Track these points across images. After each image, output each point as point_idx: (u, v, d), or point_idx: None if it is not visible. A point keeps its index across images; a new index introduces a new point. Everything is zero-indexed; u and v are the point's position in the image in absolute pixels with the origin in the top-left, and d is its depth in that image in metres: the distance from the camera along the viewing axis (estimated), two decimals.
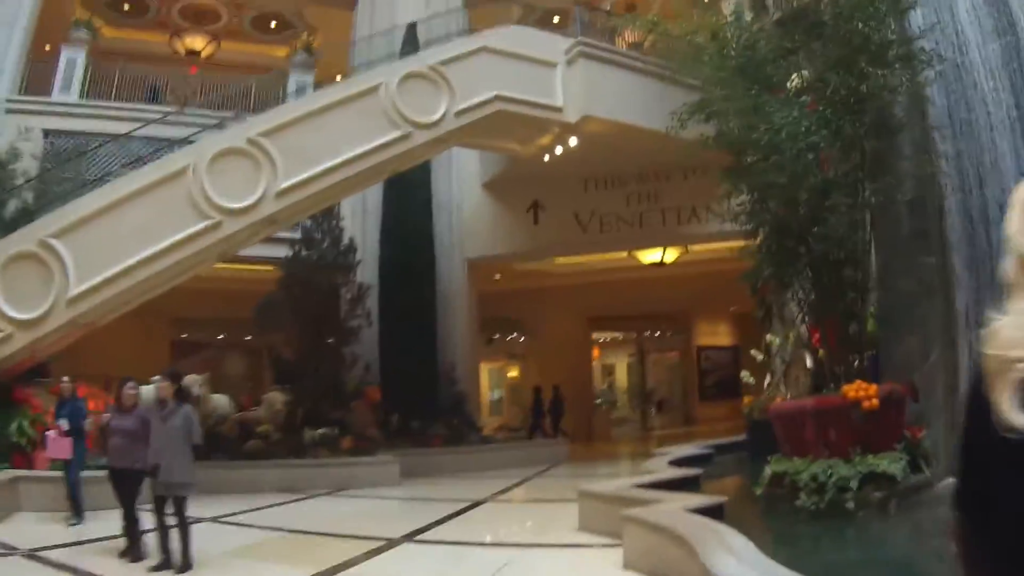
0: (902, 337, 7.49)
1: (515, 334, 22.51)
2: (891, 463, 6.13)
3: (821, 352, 8.20)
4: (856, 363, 7.98)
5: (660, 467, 9.07)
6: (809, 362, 8.64)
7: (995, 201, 6.93)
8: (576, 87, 12.64)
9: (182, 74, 16.67)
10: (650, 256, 18.55)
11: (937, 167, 7.31)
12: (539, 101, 12.26)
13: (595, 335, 24.15)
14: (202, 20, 19.89)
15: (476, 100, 11.48)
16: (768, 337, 10.25)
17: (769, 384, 10.32)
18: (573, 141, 13.23)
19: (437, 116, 11.04)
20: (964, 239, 7.15)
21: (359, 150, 10.42)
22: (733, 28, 8.22)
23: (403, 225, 14.77)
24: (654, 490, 7.27)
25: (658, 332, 25.32)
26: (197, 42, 20.23)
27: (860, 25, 7.01)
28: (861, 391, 6.36)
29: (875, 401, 6.29)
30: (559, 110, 12.49)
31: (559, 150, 13.52)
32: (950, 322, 7.10)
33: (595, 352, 24.83)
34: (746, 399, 10.55)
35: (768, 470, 6.75)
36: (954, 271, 7.15)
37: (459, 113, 11.27)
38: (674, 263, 18.81)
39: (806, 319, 9.41)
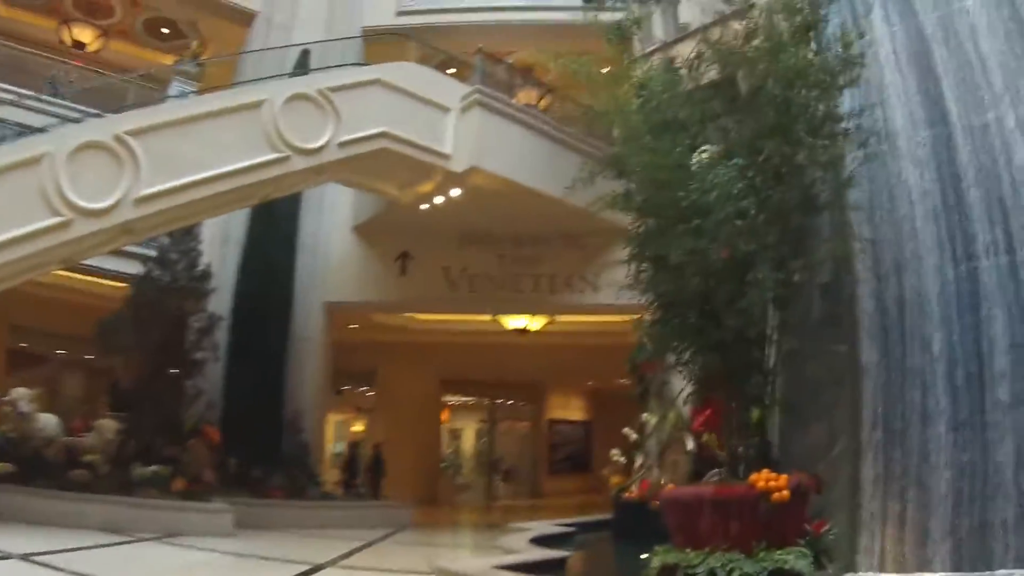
0: (806, 425, 7.07)
1: (365, 387, 21.56)
2: (798, 559, 5.61)
3: (706, 437, 7.78)
4: (741, 450, 7.59)
5: (521, 545, 8.39)
6: (690, 445, 8.22)
7: (912, 291, 6.66)
8: (467, 137, 12.12)
9: (64, 64, 15.41)
10: (514, 322, 18.10)
11: (853, 251, 6.99)
12: (427, 145, 11.66)
13: (447, 397, 23.41)
14: (95, 13, 18.60)
15: (362, 133, 10.80)
16: (644, 416, 9.82)
17: (641, 465, 9.85)
18: (455, 192, 12.67)
19: (319, 143, 10.28)
20: (876, 327, 6.80)
21: (232, 167, 9.52)
22: (664, 81, 7.73)
23: (264, 259, 13.83)
24: (519, 573, 6.71)
25: (511, 401, 24.88)
26: (86, 34, 18.85)
27: (803, 92, 6.67)
28: (771, 481, 5.87)
29: (786, 493, 5.81)
30: (446, 157, 11.94)
31: (439, 200, 12.92)
32: (857, 413, 6.74)
33: (445, 415, 24.02)
34: (614, 479, 10.03)
35: (656, 560, 6.17)
36: (862, 360, 6.78)
37: (343, 144, 10.55)
38: (537, 332, 18.41)
39: (688, 400, 9.09)
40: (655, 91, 7.51)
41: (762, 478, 5.90)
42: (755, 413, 7.94)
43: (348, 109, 10.65)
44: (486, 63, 13.18)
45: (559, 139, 13.58)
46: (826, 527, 6.15)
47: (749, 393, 6.83)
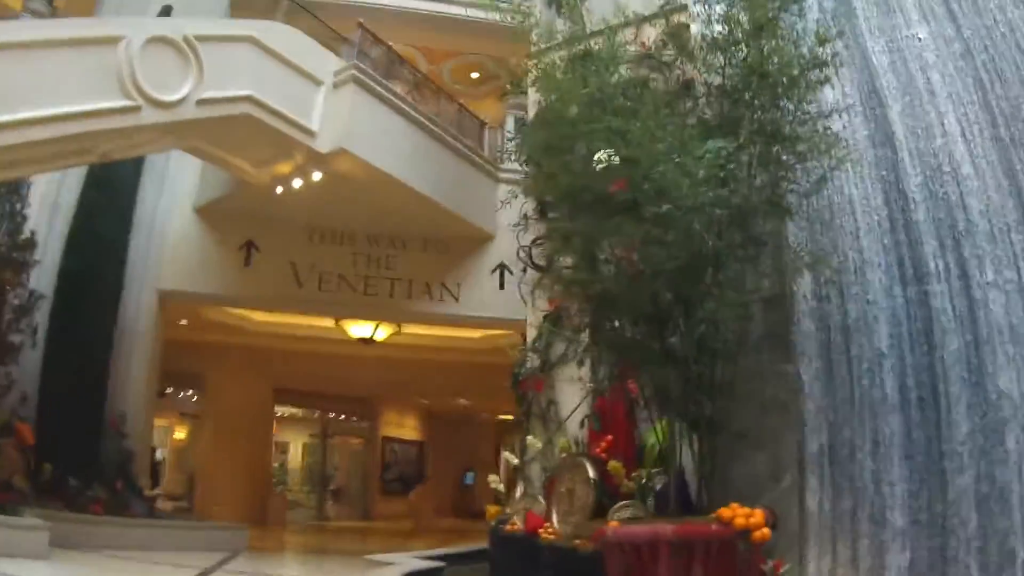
0: (746, 454, 6.20)
1: (191, 391, 19.69)
2: None
3: (613, 464, 6.78)
4: (648, 481, 6.66)
5: None
6: (592, 473, 7.25)
7: (859, 313, 6.11)
8: (337, 115, 10.99)
9: None
10: (359, 330, 16.89)
11: (795, 264, 6.23)
12: (294, 118, 10.38)
13: (279, 408, 21.83)
14: None
15: (226, 93, 9.41)
16: (529, 439, 8.80)
17: (523, 495, 8.79)
18: (316, 175, 11.40)
19: (177, 97, 8.79)
20: (817, 348, 6.18)
21: (75, 108, 7.95)
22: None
23: (95, 233, 12.02)
24: None
25: (344, 416, 23.55)
26: None
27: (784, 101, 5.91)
28: (750, 518, 4.91)
29: (767, 531, 4.87)
30: (312, 135, 10.71)
31: (297, 183, 11.63)
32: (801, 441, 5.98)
33: (276, 426, 22.46)
34: (491, 508, 8.93)
35: None
36: (803, 382, 6.10)
37: (203, 102, 9.10)
38: (382, 343, 17.26)
39: (586, 422, 8.17)
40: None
41: (738, 513, 4.94)
42: (652, 437, 7.26)
43: (213, 64, 9.23)
44: (365, 40, 12.06)
45: (434, 134, 12.77)
46: (785, 567, 5.29)
47: (690, 416, 5.96)
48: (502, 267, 14.24)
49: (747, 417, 6.13)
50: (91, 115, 8.14)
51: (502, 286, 14.14)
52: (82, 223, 12.10)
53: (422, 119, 12.57)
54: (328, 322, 16.81)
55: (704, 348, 5.78)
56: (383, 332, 17.02)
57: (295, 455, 24.01)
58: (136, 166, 12.61)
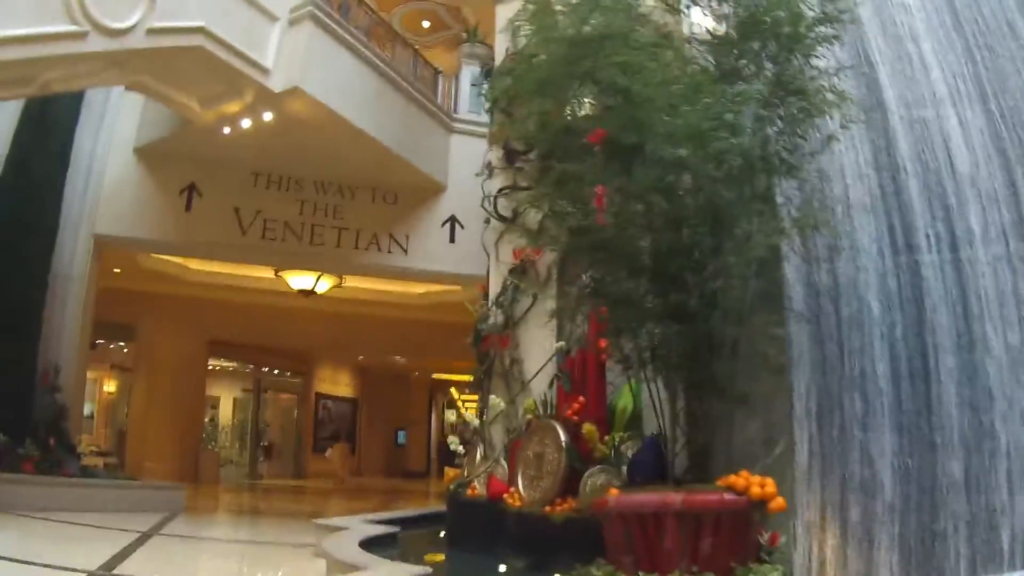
0: (738, 420, 5.82)
1: (122, 343, 18.82)
2: None
3: (588, 427, 6.40)
4: (618, 446, 6.38)
5: (354, 553, 6.61)
6: (563, 437, 6.83)
7: (847, 280, 5.90)
8: (293, 53, 10.35)
9: None
10: (299, 281, 16.28)
11: (793, 223, 5.82)
12: (248, 54, 9.72)
13: (213, 362, 21.05)
14: None
15: (178, 23, 8.71)
16: (492, 400, 8.33)
17: (483, 458, 8.33)
18: (267, 116, 10.77)
19: (126, 24, 8.08)
20: (807, 312, 5.90)
21: (17, 31, 7.18)
22: None
23: (29, 174, 11.19)
24: None
25: (277, 370, 22.84)
26: None
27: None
28: (765, 487, 4.53)
29: (782, 501, 4.50)
30: (266, 72, 10.08)
31: (245, 124, 10.98)
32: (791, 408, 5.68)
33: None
34: (450, 473, 8.46)
35: None
36: (792, 347, 5.81)
37: (153, 31, 8.40)
38: (322, 296, 16.70)
39: (555, 382, 7.59)
40: None
41: (752, 482, 4.54)
42: (623, 400, 6.85)
43: None
44: None
45: (390, 79, 12.23)
46: (780, 539, 4.95)
47: (693, 378, 5.54)
48: (453, 220, 13.80)
49: (739, 382, 5.78)
50: (34, 40, 7.40)
51: (452, 239, 13.75)
52: (16, 163, 11.27)
53: (378, 62, 11.99)
54: (267, 273, 16.25)
55: (713, 306, 5.40)
56: (325, 284, 16.46)
57: (226, 410, 23.22)
58: (74, 105, 11.88)
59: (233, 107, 10.66)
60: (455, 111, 14.43)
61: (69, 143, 11.97)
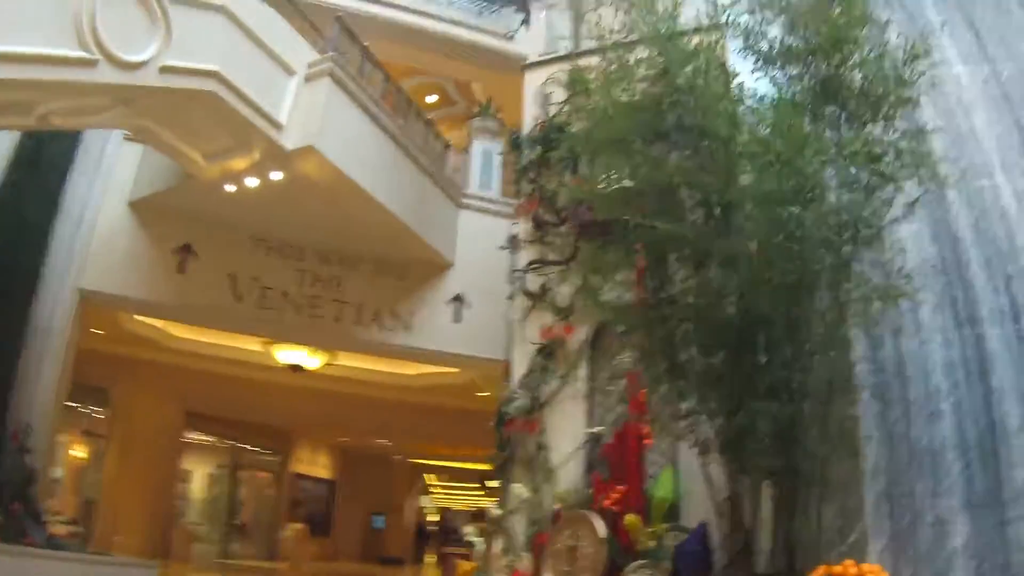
0: (811, 505, 5.21)
1: (95, 407, 17.74)
2: None
3: (631, 519, 6.05)
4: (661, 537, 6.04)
5: None
6: (602, 530, 6.24)
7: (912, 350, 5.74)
8: (309, 111, 9.76)
9: None
10: (287, 356, 15.47)
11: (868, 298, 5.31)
12: (262, 106, 9.09)
13: (189, 435, 20.07)
14: None
15: (192, 64, 8.08)
16: (515, 488, 7.66)
17: (503, 550, 7.59)
18: (276, 175, 10.12)
19: (139, 58, 7.43)
20: (874, 390, 5.72)
21: (23, 49, 6.53)
22: None
23: (18, 216, 10.43)
24: None
25: (255, 447, 21.90)
26: None
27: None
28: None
29: None
30: (279, 128, 9.46)
31: (252, 183, 10.32)
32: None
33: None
34: (465, 566, 7.71)
35: None
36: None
37: (166, 70, 7.74)
38: (310, 372, 15.88)
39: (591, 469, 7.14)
40: None
41: (865, 571, 4.29)
42: (661, 490, 6.52)
43: (182, 29, 7.86)
44: (342, 38, 10.82)
45: (403, 147, 11.72)
46: None
47: (778, 463, 4.92)
48: (459, 298, 13.13)
49: (816, 465, 5.28)
50: (39, 60, 6.69)
51: (458, 319, 13.05)
52: (5, 203, 10.52)
53: (393, 129, 11.47)
54: (253, 344, 15.39)
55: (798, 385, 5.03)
56: (316, 361, 15.68)
57: (199, 485, 22.18)
58: (70, 149, 11.22)
59: (240, 163, 10.00)
60: (464, 187, 13.86)
61: (61, 188, 11.21)
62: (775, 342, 4.98)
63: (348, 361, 16.19)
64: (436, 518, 35.95)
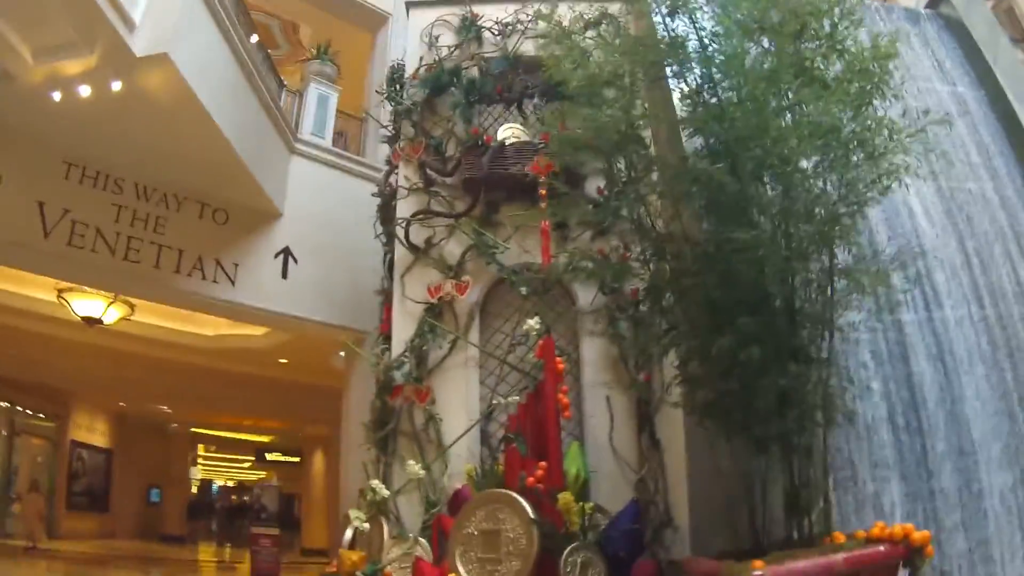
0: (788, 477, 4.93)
1: None
2: None
3: (565, 498, 5.57)
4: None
5: None
6: (530, 511, 5.53)
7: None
8: (162, 13, 8.38)
9: None
10: (84, 306, 13.71)
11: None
12: None
13: None
14: None
15: None
16: (409, 465, 6.75)
17: (393, 538, 6.61)
18: (116, 85, 8.65)
19: None
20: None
21: None
22: None
23: None
24: None
25: (30, 410, 19.52)
26: None
27: None
28: (919, 532, 4.14)
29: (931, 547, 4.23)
30: (132, 27, 8.13)
31: (84, 91, 8.76)
32: None
33: None
34: (349, 557, 6.65)
35: None
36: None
37: None
38: (99, 329, 14.12)
39: (504, 444, 6.46)
40: None
41: (907, 529, 4.16)
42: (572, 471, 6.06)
43: None
44: None
45: (248, 72, 10.68)
46: None
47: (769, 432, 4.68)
48: (287, 253, 11.94)
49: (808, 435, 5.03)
50: None
51: (285, 275, 11.84)
52: None
53: (243, 51, 10.24)
54: (42, 291, 13.47)
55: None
56: (114, 313, 13.99)
57: None
58: None
59: (74, 66, 8.50)
60: (298, 131, 12.68)
61: None
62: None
63: (144, 317, 14.58)
64: (237, 491, 33.73)
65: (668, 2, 5.23)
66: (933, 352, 6.28)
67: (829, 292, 4.83)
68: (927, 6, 9.67)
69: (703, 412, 5.09)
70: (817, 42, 4.96)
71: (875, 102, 4.94)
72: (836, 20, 4.93)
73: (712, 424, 5.06)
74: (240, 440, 29.72)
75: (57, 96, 8.83)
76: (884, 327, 6.19)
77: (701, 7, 5.16)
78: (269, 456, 31.35)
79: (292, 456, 29.68)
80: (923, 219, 7.01)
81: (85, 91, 8.74)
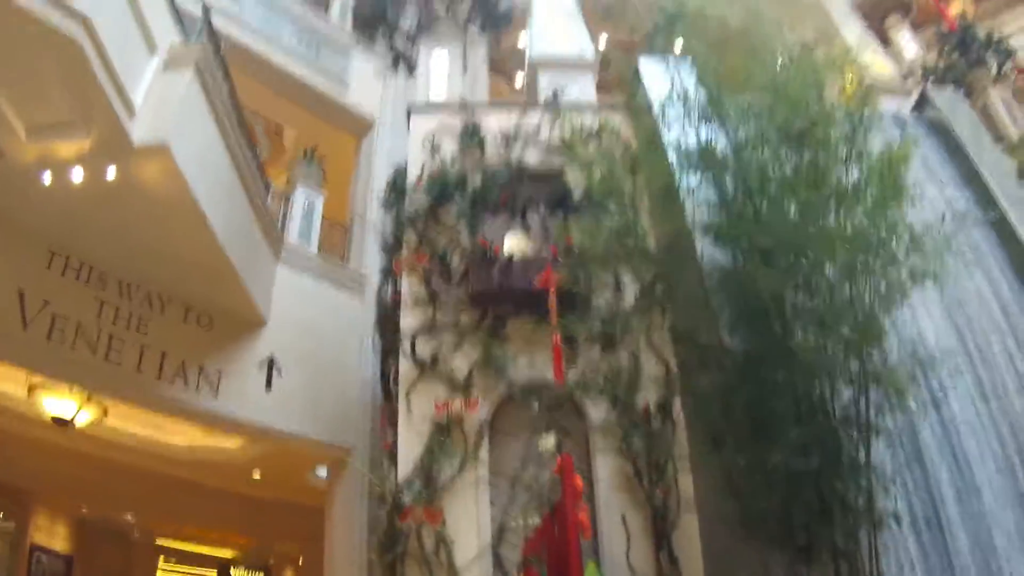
0: None
1: None
2: None
3: None
4: None
5: None
6: None
7: None
8: (162, 103, 8.18)
9: None
10: (56, 405, 12.98)
11: None
12: (119, 79, 7.42)
13: None
14: None
15: None
16: None
17: None
18: (110, 173, 8.28)
19: None
20: None
21: None
22: None
23: None
24: None
25: None
26: None
27: None
28: None
29: None
30: (131, 112, 7.83)
31: (77, 175, 8.38)
32: None
33: None
34: None
35: None
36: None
37: None
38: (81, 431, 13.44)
39: (524, 569, 6.19)
40: None
41: None
42: None
43: None
44: (208, 32, 9.22)
45: (241, 173, 10.36)
46: None
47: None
48: (271, 363, 11.45)
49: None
50: None
51: (269, 386, 11.33)
52: None
53: (238, 149, 9.98)
54: (13, 384, 12.80)
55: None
56: (86, 415, 13.31)
57: None
58: None
59: (69, 148, 8.15)
60: (283, 239, 12.46)
61: None
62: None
63: (115, 422, 13.92)
64: None
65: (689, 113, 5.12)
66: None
67: (866, 396, 4.65)
68: (913, 109, 9.80)
69: (750, 525, 4.83)
70: (837, 149, 4.88)
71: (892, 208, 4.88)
72: (855, 126, 4.82)
73: (761, 536, 4.80)
74: (204, 554, 28.61)
75: (47, 178, 8.44)
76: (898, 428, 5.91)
77: (730, 115, 5.02)
78: (234, 572, 30.12)
79: (257, 572, 28.55)
80: (926, 319, 6.99)
81: (77, 176, 8.37)
